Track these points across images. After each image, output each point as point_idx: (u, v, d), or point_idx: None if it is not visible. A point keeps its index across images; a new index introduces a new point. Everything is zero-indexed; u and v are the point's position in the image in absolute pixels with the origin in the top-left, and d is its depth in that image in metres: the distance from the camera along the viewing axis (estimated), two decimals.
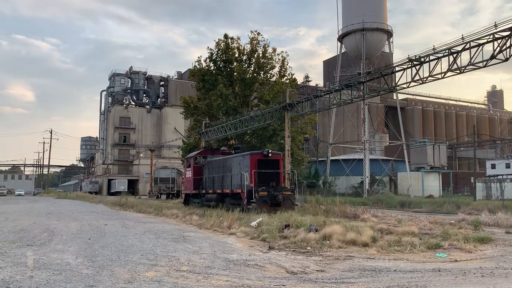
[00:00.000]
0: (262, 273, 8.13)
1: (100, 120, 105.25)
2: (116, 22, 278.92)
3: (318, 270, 8.45)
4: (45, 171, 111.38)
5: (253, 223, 14.91)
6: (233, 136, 37.06)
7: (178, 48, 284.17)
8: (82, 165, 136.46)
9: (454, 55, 18.41)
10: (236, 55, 39.87)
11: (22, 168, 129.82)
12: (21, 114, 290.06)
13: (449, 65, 18.67)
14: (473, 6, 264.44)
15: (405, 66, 20.57)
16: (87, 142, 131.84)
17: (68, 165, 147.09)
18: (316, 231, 12.70)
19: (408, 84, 20.80)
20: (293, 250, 10.83)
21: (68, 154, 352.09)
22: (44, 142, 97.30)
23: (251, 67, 39.61)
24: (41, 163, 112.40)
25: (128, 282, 7.23)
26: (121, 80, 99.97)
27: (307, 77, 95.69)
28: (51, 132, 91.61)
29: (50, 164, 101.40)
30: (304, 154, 44.00)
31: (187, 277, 7.70)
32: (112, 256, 9.75)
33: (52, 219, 21.18)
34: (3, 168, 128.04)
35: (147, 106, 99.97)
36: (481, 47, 17.47)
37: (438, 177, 48.54)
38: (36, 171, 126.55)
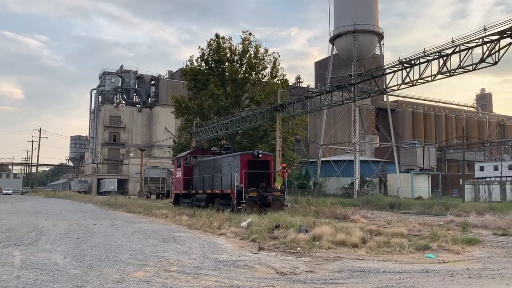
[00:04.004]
0: (251, 274, 8.13)
1: (90, 119, 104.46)
2: (107, 20, 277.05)
3: (307, 271, 8.47)
4: (34, 169, 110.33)
5: (243, 224, 14.91)
6: (224, 136, 37.03)
7: (170, 47, 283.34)
8: (71, 164, 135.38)
9: (444, 58, 18.59)
10: (228, 55, 39.87)
11: (10, 167, 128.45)
12: (9, 112, 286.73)
13: (439, 68, 18.85)
14: (463, 9, 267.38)
15: (395, 69, 20.72)
16: (77, 141, 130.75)
17: (57, 164, 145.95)
18: (306, 231, 12.73)
19: (398, 86, 20.96)
20: (283, 251, 10.84)
21: (57, 153, 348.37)
22: (33, 141, 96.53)
23: (243, 67, 39.64)
24: (30, 162, 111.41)
25: (117, 282, 7.18)
26: (111, 79, 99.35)
27: (298, 78, 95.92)
28: (40, 131, 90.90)
29: (39, 162, 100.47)
30: (295, 155, 44.12)
31: (177, 277, 7.67)
32: (101, 256, 9.68)
33: (40, 218, 20.97)
34: None
35: (138, 106, 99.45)
36: (470, 50, 17.67)
37: (428, 179, 48.95)
38: (24, 170, 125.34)
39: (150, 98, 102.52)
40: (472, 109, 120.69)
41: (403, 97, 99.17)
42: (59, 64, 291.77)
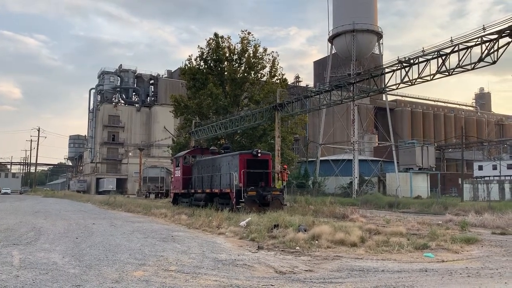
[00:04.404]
0: (250, 273, 8.13)
1: (89, 119, 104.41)
2: (106, 19, 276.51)
3: (306, 270, 8.47)
4: (33, 169, 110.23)
5: (242, 223, 14.91)
6: (223, 136, 37.02)
7: (169, 47, 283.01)
8: (70, 164, 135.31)
9: (443, 57, 18.59)
10: (227, 54, 39.85)
11: (8, 166, 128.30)
12: (8, 111, 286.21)
13: (438, 67, 18.86)
14: (462, 8, 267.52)
15: (394, 68, 20.73)
16: (76, 141, 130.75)
17: (56, 163, 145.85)
18: (305, 231, 12.74)
19: (397, 85, 20.96)
20: (282, 250, 10.84)
21: (56, 153, 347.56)
22: (31, 140, 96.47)
23: (242, 66, 39.62)
24: (29, 161, 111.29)
25: (116, 282, 7.17)
26: (110, 78, 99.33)
27: (297, 77, 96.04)
28: (38, 130, 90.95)
29: (38, 162, 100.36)
30: (294, 154, 44.13)
31: (176, 276, 7.67)
32: (100, 256, 9.67)
33: (39, 218, 20.95)
34: None
35: (137, 105, 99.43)
36: (469, 49, 17.68)
37: (426, 178, 48.99)
38: (23, 169, 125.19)
39: (149, 98, 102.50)
40: (471, 108, 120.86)
41: (402, 96, 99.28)
42: (58, 63, 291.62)
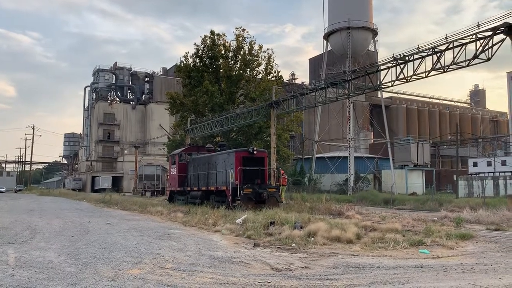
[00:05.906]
0: (247, 270, 8.14)
1: (84, 116, 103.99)
2: (100, 16, 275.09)
3: (302, 267, 8.49)
4: (27, 167, 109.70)
5: (238, 221, 14.92)
6: (219, 133, 36.99)
7: (164, 44, 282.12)
8: (65, 162, 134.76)
9: (438, 54, 18.65)
10: (222, 52, 39.77)
11: (3, 165, 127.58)
12: (2, 109, 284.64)
13: (433, 64, 18.92)
14: (457, 4, 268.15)
15: (389, 65, 20.77)
16: (71, 139, 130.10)
17: (51, 161, 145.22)
18: (301, 228, 12.76)
19: (392, 82, 21.01)
20: (278, 247, 10.86)
21: (51, 151, 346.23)
22: (26, 138, 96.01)
23: (237, 64, 39.58)
24: (23, 160, 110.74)
25: (112, 280, 7.17)
26: (105, 76, 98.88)
27: (293, 74, 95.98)
28: (33, 128, 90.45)
29: (33, 160, 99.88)
30: (289, 152, 44.19)
31: (172, 274, 7.67)
32: (96, 254, 9.66)
33: (34, 216, 20.87)
34: None
35: (132, 103, 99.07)
36: (464, 46, 17.75)
37: (422, 175, 49.21)
38: (18, 168, 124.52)
39: (144, 95, 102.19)
40: (465, 105, 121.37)
41: (397, 93, 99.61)
42: (52, 61, 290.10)
